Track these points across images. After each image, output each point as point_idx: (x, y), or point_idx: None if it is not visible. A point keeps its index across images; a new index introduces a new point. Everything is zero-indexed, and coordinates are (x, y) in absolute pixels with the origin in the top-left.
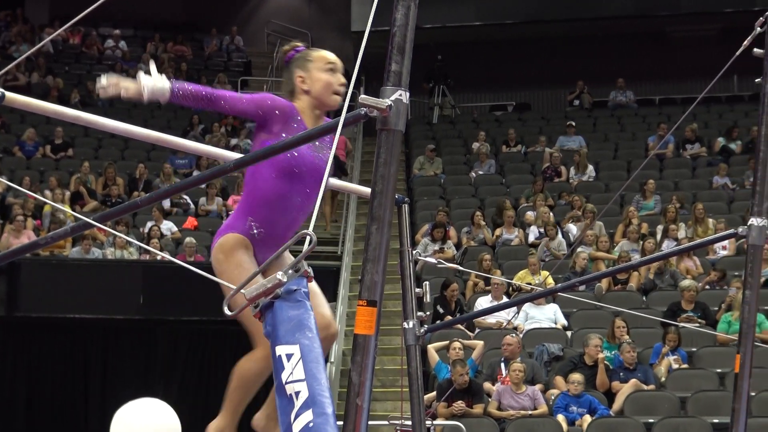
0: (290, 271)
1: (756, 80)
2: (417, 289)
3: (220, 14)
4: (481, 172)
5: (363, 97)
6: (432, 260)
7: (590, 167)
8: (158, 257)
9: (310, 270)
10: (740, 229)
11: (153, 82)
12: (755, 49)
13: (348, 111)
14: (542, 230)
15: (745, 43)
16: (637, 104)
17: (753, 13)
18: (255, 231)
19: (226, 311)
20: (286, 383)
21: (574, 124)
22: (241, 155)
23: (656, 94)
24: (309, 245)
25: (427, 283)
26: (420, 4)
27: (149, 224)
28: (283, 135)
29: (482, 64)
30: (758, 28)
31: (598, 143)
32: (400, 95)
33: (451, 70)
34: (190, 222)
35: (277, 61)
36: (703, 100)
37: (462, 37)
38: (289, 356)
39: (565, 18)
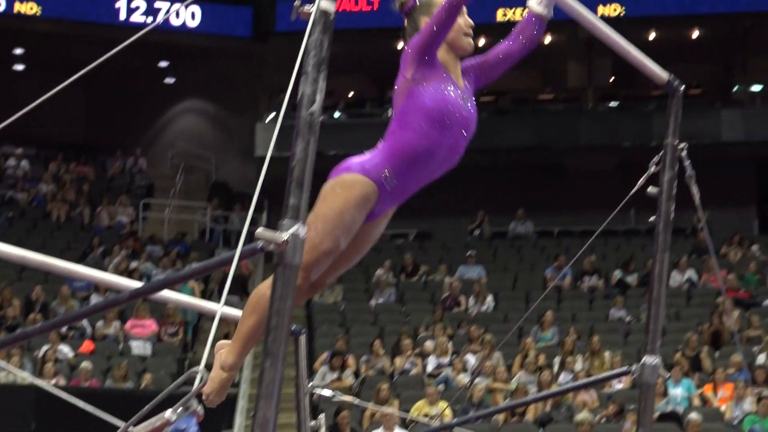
0: (179, 410)
1: (651, 218)
2: (311, 422)
3: (125, 136)
4: (381, 300)
5: (260, 232)
6: (327, 393)
7: (489, 297)
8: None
9: (200, 409)
10: (633, 367)
11: None
12: (650, 188)
13: (246, 241)
14: (441, 360)
15: (640, 182)
16: (537, 235)
17: (650, 149)
18: (388, 182)
19: None
20: None
21: (474, 253)
22: (139, 283)
23: (555, 226)
24: (199, 383)
25: (323, 416)
26: (321, 132)
27: (44, 348)
28: (425, 84)
29: None
30: (652, 168)
31: (497, 273)
32: (298, 230)
33: None
34: (87, 346)
35: (180, 184)
36: (601, 232)
37: None
38: None
39: (465, 148)
